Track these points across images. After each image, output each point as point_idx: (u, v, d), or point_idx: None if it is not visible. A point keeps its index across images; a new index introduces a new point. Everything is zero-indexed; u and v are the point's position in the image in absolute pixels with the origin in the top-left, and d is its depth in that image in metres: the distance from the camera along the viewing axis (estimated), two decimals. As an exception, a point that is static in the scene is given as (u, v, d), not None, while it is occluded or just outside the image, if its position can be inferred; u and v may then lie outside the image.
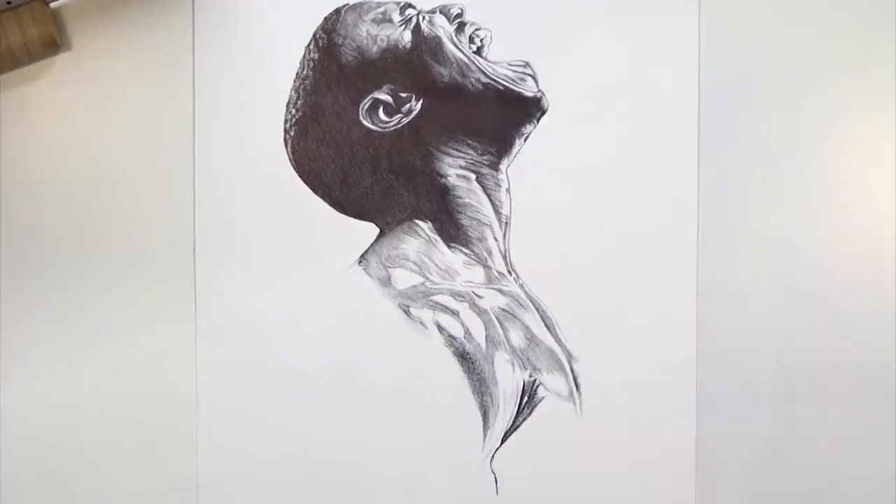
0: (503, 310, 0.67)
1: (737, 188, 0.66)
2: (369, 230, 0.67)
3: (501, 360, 0.67)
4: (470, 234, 0.67)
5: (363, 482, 0.67)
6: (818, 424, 0.65)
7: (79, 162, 0.68)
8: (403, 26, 0.67)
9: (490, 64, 0.67)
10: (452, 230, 0.67)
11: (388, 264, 0.67)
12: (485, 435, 0.66)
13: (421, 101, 0.67)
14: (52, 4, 0.66)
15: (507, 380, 0.66)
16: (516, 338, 0.67)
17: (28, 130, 0.68)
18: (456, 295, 0.67)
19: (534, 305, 0.67)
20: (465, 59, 0.67)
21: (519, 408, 0.66)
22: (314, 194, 0.67)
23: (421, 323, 0.67)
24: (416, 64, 0.67)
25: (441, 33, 0.67)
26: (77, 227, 0.68)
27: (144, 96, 0.68)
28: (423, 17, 0.67)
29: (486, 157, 0.67)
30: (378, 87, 0.67)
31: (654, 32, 0.66)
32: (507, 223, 0.67)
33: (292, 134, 0.67)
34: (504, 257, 0.67)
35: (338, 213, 0.67)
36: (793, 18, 0.66)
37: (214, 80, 0.67)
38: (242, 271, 0.67)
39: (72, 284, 0.67)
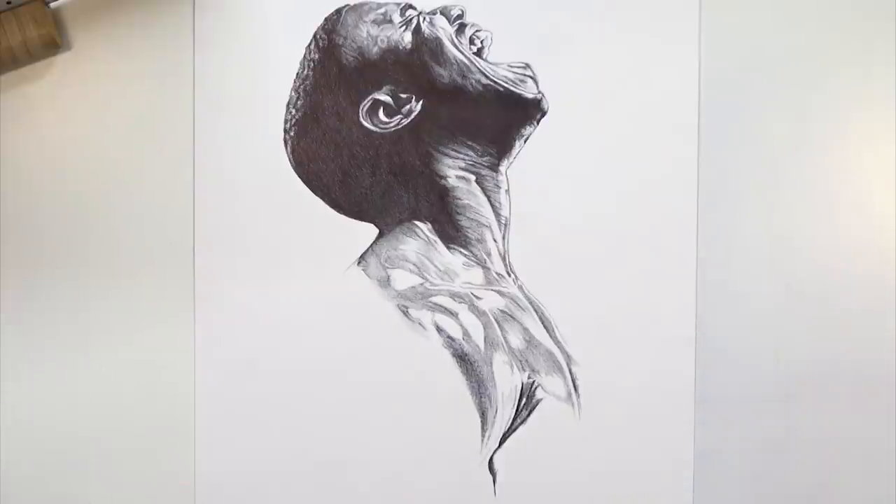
0: (502, 311, 0.67)
1: (737, 189, 0.66)
2: (369, 231, 0.67)
3: (500, 362, 0.66)
4: (469, 235, 0.67)
5: (361, 483, 0.67)
6: (818, 424, 0.65)
7: (79, 162, 0.68)
8: (404, 27, 0.67)
9: (490, 65, 0.67)
10: (452, 231, 0.67)
11: (387, 265, 0.67)
12: (483, 436, 0.66)
13: (421, 103, 0.67)
14: (52, 4, 0.66)
15: (506, 381, 0.66)
16: (515, 339, 0.66)
17: (28, 130, 0.68)
18: (455, 296, 0.67)
19: (532, 307, 0.66)
20: (466, 61, 0.67)
21: (517, 409, 0.66)
22: (314, 195, 0.67)
23: (420, 324, 0.67)
24: (416, 65, 0.67)
25: (441, 34, 0.67)
26: (77, 227, 0.68)
27: (144, 96, 0.68)
28: (424, 19, 0.67)
29: (485, 159, 0.67)
30: (378, 88, 0.67)
31: (655, 35, 0.66)
32: (506, 225, 0.67)
33: (292, 134, 0.67)
34: (503, 259, 0.67)
35: (337, 214, 0.67)
36: (793, 22, 0.66)
37: (214, 80, 0.67)
38: (241, 271, 0.67)
39: (71, 284, 0.67)
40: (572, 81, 0.67)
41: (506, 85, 0.67)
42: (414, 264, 0.67)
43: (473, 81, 0.67)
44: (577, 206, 0.66)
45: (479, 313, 0.67)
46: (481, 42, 0.67)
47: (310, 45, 0.67)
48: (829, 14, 0.66)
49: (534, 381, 0.66)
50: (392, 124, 0.67)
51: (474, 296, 0.67)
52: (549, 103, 0.67)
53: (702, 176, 0.66)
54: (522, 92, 0.67)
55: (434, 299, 0.67)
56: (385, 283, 0.67)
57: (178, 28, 0.68)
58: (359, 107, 0.67)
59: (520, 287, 0.67)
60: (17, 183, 0.68)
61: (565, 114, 0.67)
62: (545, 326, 0.66)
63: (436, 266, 0.67)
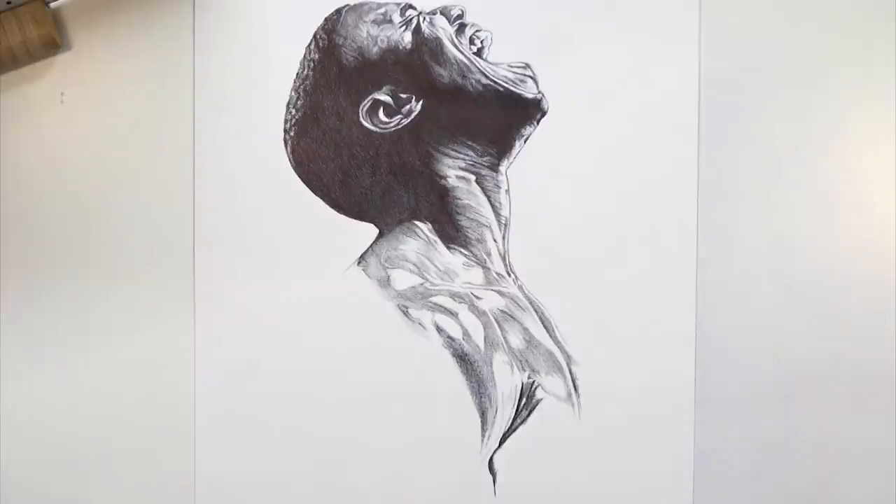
0: (502, 311, 0.67)
1: (737, 189, 0.66)
2: (369, 231, 0.67)
3: (500, 362, 0.66)
4: (469, 235, 0.67)
5: (361, 483, 0.67)
6: (818, 424, 0.65)
7: (78, 162, 0.68)
8: (404, 27, 0.67)
9: (490, 65, 0.67)
10: (452, 231, 0.67)
11: (387, 265, 0.67)
12: (483, 436, 0.66)
13: (421, 103, 0.67)
14: (52, 4, 0.66)
15: (506, 381, 0.66)
16: (515, 339, 0.66)
17: (28, 130, 0.68)
18: (455, 296, 0.67)
19: (532, 307, 0.66)
20: (466, 61, 0.67)
21: (517, 409, 0.66)
22: (314, 195, 0.67)
23: (420, 324, 0.67)
24: (416, 65, 0.67)
25: (441, 34, 0.67)
26: (77, 227, 0.68)
27: (144, 96, 0.68)
28: (424, 19, 0.67)
29: (485, 159, 0.67)
30: (378, 88, 0.67)
31: (655, 35, 0.66)
32: (506, 225, 0.67)
33: (292, 134, 0.67)
34: (503, 259, 0.67)
35: (337, 214, 0.67)
36: (793, 22, 0.66)
37: (214, 80, 0.67)
38: (241, 272, 0.67)
39: (71, 284, 0.67)
40: (572, 81, 0.67)
41: (506, 85, 0.67)
42: (414, 264, 0.67)
43: (473, 81, 0.67)
44: (577, 206, 0.66)
45: (479, 313, 0.67)
46: (481, 42, 0.67)
47: (310, 45, 0.67)
48: (829, 14, 0.66)
49: (534, 381, 0.66)
50: (392, 124, 0.67)
51: (474, 296, 0.67)
52: (549, 103, 0.67)
53: (702, 176, 0.66)
54: (522, 92, 0.67)
55: (434, 299, 0.67)
56: (385, 283, 0.67)
57: (178, 28, 0.68)
58: (359, 107, 0.67)
59: (520, 287, 0.67)
60: (17, 183, 0.68)
61: (565, 114, 0.67)
62: (545, 326, 0.66)
63: (436, 266, 0.67)
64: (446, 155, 0.67)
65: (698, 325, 0.65)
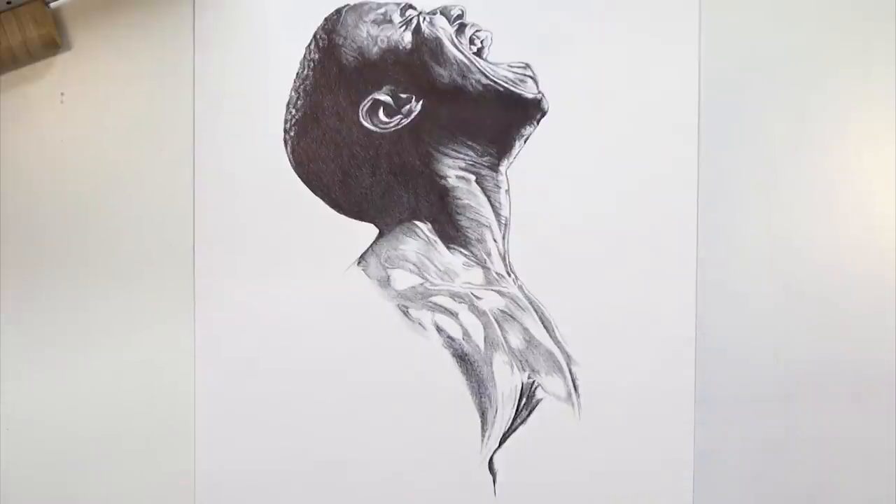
0: (502, 311, 0.67)
1: (737, 189, 0.66)
2: (368, 231, 0.67)
3: (500, 362, 0.66)
4: (469, 235, 0.67)
5: (361, 483, 0.67)
6: (818, 424, 0.65)
7: (78, 162, 0.68)
8: (404, 27, 0.67)
9: (490, 65, 0.67)
10: (452, 231, 0.67)
11: (387, 265, 0.67)
12: (483, 436, 0.66)
13: (421, 103, 0.67)
14: (52, 4, 0.66)
15: (506, 381, 0.66)
16: (515, 339, 0.66)
17: (28, 130, 0.68)
18: (455, 296, 0.67)
19: (532, 307, 0.66)
20: (466, 61, 0.67)
21: (517, 409, 0.66)
22: (314, 195, 0.67)
23: (420, 324, 0.67)
24: (416, 65, 0.67)
25: (441, 34, 0.67)
26: (77, 227, 0.68)
27: (144, 96, 0.68)
28: (424, 18, 0.67)
29: (485, 159, 0.67)
30: (378, 88, 0.67)
31: (655, 35, 0.66)
32: (506, 225, 0.67)
33: (292, 134, 0.67)
34: (503, 259, 0.67)
35: (337, 214, 0.67)
36: (793, 22, 0.66)
37: (214, 80, 0.67)
38: (241, 271, 0.67)
39: (71, 284, 0.67)
40: (572, 81, 0.67)
41: (506, 85, 0.67)
42: (414, 264, 0.67)
43: (473, 81, 0.67)
44: (577, 206, 0.66)
45: (479, 313, 0.67)
46: (481, 42, 0.67)
47: (310, 45, 0.67)
48: (829, 14, 0.66)
49: (534, 381, 0.66)
50: (392, 124, 0.67)
51: (474, 296, 0.67)
52: (549, 103, 0.67)
53: (702, 176, 0.66)
54: (522, 92, 0.67)
55: (434, 299, 0.67)
56: (385, 283, 0.67)
57: (178, 28, 0.68)
58: (359, 107, 0.67)
59: (520, 287, 0.67)
60: (17, 183, 0.68)
61: (565, 114, 0.67)
62: (545, 326, 0.66)
63: (436, 266, 0.67)
64: (446, 155, 0.67)
65: (698, 325, 0.65)
